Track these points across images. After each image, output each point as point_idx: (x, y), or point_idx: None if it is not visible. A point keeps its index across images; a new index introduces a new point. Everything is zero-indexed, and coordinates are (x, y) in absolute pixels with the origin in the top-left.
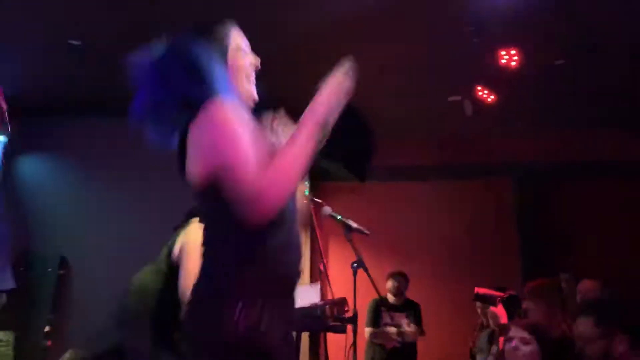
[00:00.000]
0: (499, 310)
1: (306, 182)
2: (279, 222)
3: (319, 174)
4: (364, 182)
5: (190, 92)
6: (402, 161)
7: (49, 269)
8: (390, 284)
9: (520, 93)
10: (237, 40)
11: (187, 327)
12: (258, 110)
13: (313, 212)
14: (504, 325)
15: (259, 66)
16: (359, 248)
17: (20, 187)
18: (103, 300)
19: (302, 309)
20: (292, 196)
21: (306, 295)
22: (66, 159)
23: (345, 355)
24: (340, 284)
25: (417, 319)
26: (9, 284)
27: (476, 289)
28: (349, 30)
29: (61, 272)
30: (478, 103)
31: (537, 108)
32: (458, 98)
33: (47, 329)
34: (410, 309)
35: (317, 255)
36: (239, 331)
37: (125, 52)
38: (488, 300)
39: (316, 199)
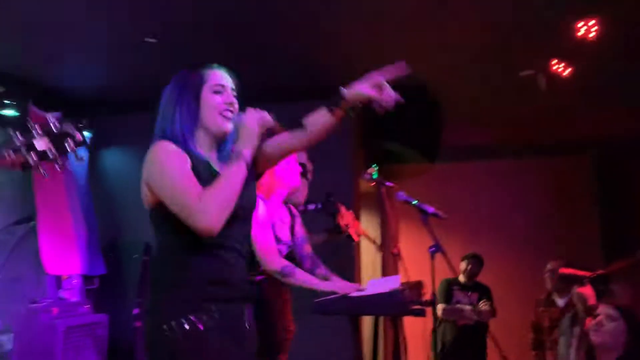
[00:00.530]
0: (587, 291)
1: (374, 166)
2: (216, 244)
3: (389, 156)
4: (434, 163)
5: (157, 128)
6: (473, 140)
7: (135, 255)
8: (463, 265)
9: (599, 65)
10: (215, 80)
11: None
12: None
13: (384, 196)
14: (592, 306)
15: (231, 101)
16: (424, 230)
17: (106, 179)
18: None
19: (382, 294)
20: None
21: (387, 284)
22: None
23: (423, 339)
24: (413, 267)
25: (489, 299)
26: (101, 269)
27: (561, 270)
28: (416, 6)
29: (146, 258)
30: (553, 77)
31: (616, 81)
32: (531, 72)
33: (135, 311)
34: (482, 290)
35: (390, 239)
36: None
37: (202, 48)
38: (574, 281)
39: (388, 183)
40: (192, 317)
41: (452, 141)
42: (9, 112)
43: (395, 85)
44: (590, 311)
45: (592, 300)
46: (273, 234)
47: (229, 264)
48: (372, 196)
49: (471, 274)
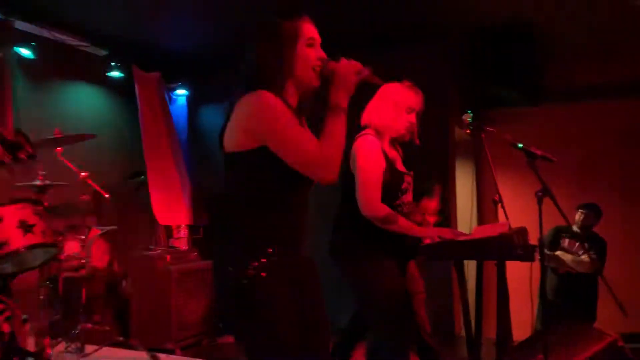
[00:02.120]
0: None
1: (469, 111)
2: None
3: (486, 101)
4: (537, 106)
5: (249, 78)
6: (578, 80)
7: None
8: (577, 215)
9: None
10: (309, 33)
11: None
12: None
13: (484, 142)
14: None
15: (324, 56)
16: (531, 177)
17: (205, 135)
18: None
19: (491, 238)
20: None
21: (495, 230)
22: None
23: (529, 285)
24: (514, 214)
25: (599, 254)
26: (204, 220)
27: None
28: None
29: None
30: None
31: None
32: None
33: None
34: (595, 242)
35: (487, 187)
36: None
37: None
38: None
39: (488, 128)
40: (256, 263)
41: (555, 82)
42: (115, 74)
43: (496, 23)
44: None
45: None
46: (377, 179)
47: (301, 220)
48: (467, 144)
49: (584, 225)
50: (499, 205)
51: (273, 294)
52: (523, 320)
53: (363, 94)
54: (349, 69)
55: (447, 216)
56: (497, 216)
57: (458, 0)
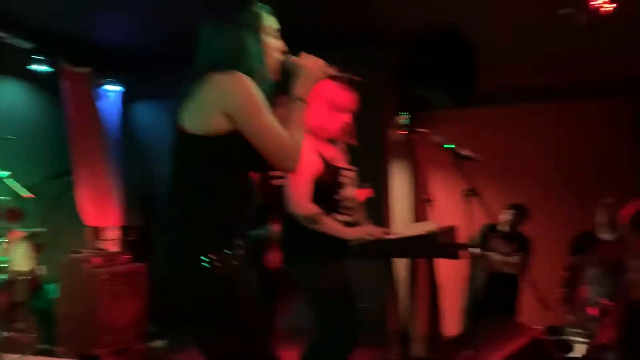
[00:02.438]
0: None
1: (404, 113)
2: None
3: (419, 103)
4: (467, 108)
5: (219, 59)
6: (509, 83)
7: None
8: (505, 216)
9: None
10: (274, 24)
11: None
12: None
13: (415, 143)
14: None
15: (286, 49)
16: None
17: (138, 132)
18: None
19: (419, 236)
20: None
21: (423, 228)
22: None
23: (456, 285)
24: (445, 213)
25: (525, 254)
26: (137, 221)
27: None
28: None
29: None
30: (593, 15)
31: None
32: (570, 10)
33: None
34: (521, 242)
35: (422, 186)
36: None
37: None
38: None
39: (420, 129)
40: (229, 252)
41: (486, 85)
42: (40, 68)
43: (426, 27)
44: None
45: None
46: (305, 179)
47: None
48: (402, 145)
49: (512, 224)
50: (430, 204)
51: (249, 286)
52: (456, 317)
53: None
54: (315, 64)
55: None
56: (429, 215)
57: (392, 3)
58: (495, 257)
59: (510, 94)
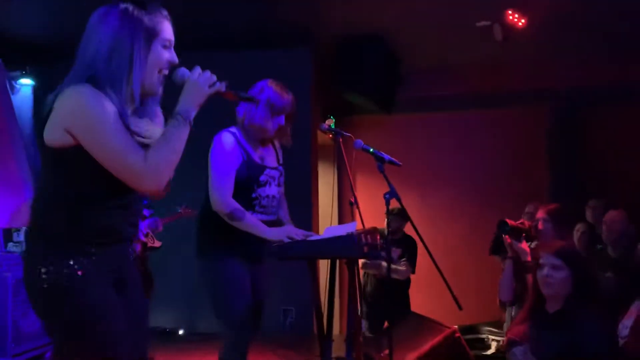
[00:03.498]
0: (524, 247)
1: (331, 117)
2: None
3: (345, 107)
4: (390, 114)
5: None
6: (429, 91)
7: None
8: (385, 221)
9: (554, 16)
10: (167, 34)
11: None
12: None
13: (342, 146)
14: (530, 262)
15: (176, 62)
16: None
17: None
18: None
19: (339, 237)
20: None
21: (344, 230)
22: None
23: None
24: (369, 216)
25: (410, 257)
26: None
27: (509, 222)
28: None
29: None
30: (509, 28)
31: (571, 32)
32: (487, 23)
33: None
34: (406, 245)
35: (347, 189)
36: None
37: None
38: (519, 234)
39: (345, 133)
40: (71, 262)
41: (410, 92)
42: None
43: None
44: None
45: (526, 256)
46: (225, 174)
47: (122, 219)
48: (329, 148)
49: (392, 230)
50: (355, 206)
51: (98, 296)
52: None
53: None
54: (203, 80)
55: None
56: (354, 217)
57: (321, 9)
58: (376, 263)
59: (431, 101)
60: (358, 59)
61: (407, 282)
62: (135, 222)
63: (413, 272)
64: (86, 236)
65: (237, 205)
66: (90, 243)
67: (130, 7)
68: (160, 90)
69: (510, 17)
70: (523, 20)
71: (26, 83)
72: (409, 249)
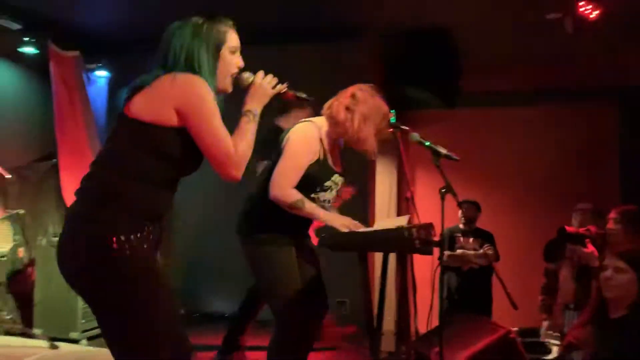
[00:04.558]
0: (589, 251)
1: (392, 111)
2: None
3: (406, 102)
4: (453, 109)
5: (172, 63)
6: (494, 85)
7: None
8: (459, 212)
9: (627, 8)
10: (233, 41)
11: None
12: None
13: (400, 141)
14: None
15: (242, 65)
16: (448, 177)
17: None
18: None
19: (389, 230)
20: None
21: (395, 223)
22: None
23: (431, 279)
24: (428, 212)
25: (492, 245)
26: None
27: (567, 228)
28: None
29: None
30: (580, 20)
31: None
32: (558, 15)
33: None
34: (483, 236)
35: (405, 184)
36: None
37: None
38: (577, 240)
39: (403, 127)
40: (138, 235)
41: (472, 86)
42: (29, 50)
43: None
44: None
45: (595, 262)
46: (298, 165)
47: (169, 199)
48: (390, 143)
49: (467, 220)
50: (411, 201)
51: (150, 270)
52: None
53: None
54: (267, 83)
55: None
56: (410, 213)
57: (383, 1)
58: (468, 253)
59: (495, 96)
60: (420, 53)
61: (489, 277)
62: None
63: (498, 259)
64: (145, 212)
65: (298, 195)
66: (148, 219)
67: (200, 21)
68: (230, 90)
69: (582, 9)
70: (596, 12)
71: (101, 75)
72: (488, 239)
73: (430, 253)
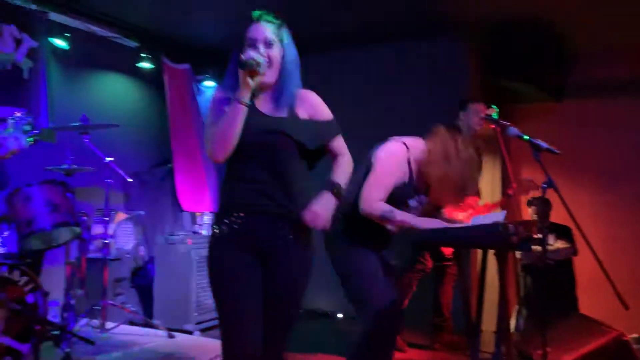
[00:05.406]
0: None
1: (493, 106)
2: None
3: (509, 96)
4: (560, 101)
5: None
6: (605, 75)
7: None
8: (530, 210)
9: None
10: (248, 33)
11: None
12: None
13: (500, 136)
14: None
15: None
16: (554, 173)
17: None
18: None
19: (483, 225)
20: None
21: (491, 219)
22: None
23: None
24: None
25: (569, 239)
26: None
27: None
28: None
29: None
30: None
31: None
32: None
33: None
34: (560, 231)
35: (507, 180)
36: None
37: None
38: None
39: (503, 122)
40: (216, 226)
41: (582, 77)
42: (145, 65)
43: (513, 18)
44: None
45: None
46: (386, 183)
47: (252, 189)
48: (490, 138)
49: (541, 216)
50: (513, 198)
51: (218, 256)
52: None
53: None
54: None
55: None
56: (512, 209)
57: None
58: (536, 249)
59: (607, 86)
60: (521, 44)
61: (571, 279)
62: (272, 195)
63: (576, 254)
64: (224, 207)
65: (386, 207)
66: (227, 213)
67: None
68: (245, 81)
69: None
70: None
71: (209, 85)
72: (565, 233)
73: (528, 250)
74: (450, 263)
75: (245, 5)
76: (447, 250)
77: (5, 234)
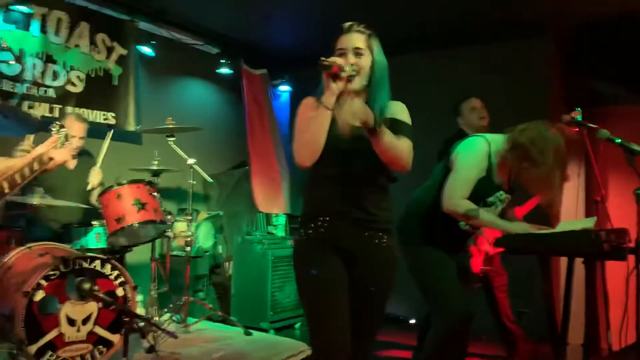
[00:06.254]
0: None
1: (577, 109)
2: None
3: (593, 98)
4: None
5: None
6: None
7: None
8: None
9: None
10: (337, 44)
11: None
12: None
13: (587, 140)
14: None
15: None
16: None
17: None
18: None
19: (572, 232)
20: None
21: (580, 225)
22: None
23: (625, 286)
24: (623, 217)
25: None
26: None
27: None
28: None
29: None
30: None
31: None
32: None
33: None
34: None
35: (595, 186)
36: None
37: None
38: None
39: (590, 124)
40: (302, 230)
41: None
42: (225, 71)
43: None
44: None
45: None
46: (468, 179)
47: (336, 194)
48: (575, 142)
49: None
50: (601, 204)
51: (307, 257)
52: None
53: None
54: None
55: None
56: (600, 216)
57: None
58: None
59: None
60: (609, 43)
61: None
62: (357, 200)
63: None
64: (310, 211)
65: (470, 205)
66: (312, 218)
67: None
68: (331, 86)
69: None
70: None
71: (284, 89)
72: None
73: (622, 259)
74: (482, 284)
75: (322, 10)
76: (476, 269)
77: (97, 230)
